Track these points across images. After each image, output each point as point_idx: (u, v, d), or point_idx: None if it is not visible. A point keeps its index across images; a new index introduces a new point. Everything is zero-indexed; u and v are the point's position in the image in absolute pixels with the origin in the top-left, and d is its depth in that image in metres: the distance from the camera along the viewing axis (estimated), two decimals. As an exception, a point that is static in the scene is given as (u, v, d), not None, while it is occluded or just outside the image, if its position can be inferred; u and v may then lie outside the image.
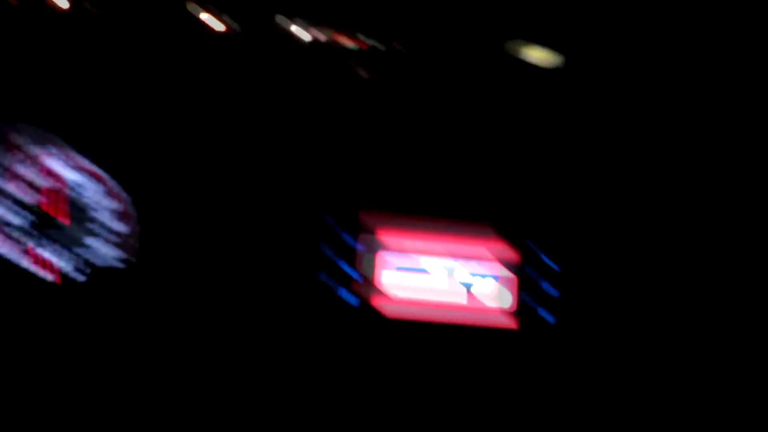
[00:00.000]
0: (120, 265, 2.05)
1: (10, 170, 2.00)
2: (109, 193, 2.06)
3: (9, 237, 2.02)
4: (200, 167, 2.10)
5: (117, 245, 2.06)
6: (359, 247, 2.05)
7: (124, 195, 2.04)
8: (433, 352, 2.12)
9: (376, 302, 2.06)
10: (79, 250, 2.05)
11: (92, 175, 2.03)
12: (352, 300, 2.04)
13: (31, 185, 1.99)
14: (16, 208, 2.02)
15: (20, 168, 1.97)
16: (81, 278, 2.06)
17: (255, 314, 1.99)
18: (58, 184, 2.02)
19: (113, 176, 2.05)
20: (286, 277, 2.02)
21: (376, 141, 2.19)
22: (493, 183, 2.30)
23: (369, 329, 2.04)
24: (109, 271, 2.07)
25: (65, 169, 2.01)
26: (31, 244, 2.04)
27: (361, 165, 2.14)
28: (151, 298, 2.02)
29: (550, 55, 3.45)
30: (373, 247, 2.09)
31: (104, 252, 2.06)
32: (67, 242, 2.06)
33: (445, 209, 2.18)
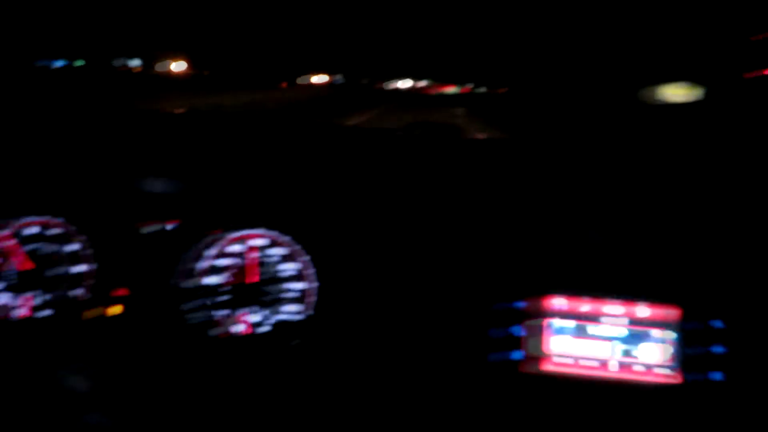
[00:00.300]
0: (300, 318, 2.23)
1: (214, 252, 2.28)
2: (291, 256, 2.26)
3: (208, 297, 2.28)
4: (373, 239, 2.22)
5: (297, 300, 2.25)
6: (526, 312, 2.13)
7: (304, 256, 2.22)
8: (599, 411, 2.18)
9: (543, 365, 2.14)
10: (267, 306, 2.27)
11: (277, 242, 2.23)
12: (520, 359, 2.12)
13: (226, 254, 2.25)
14: (214, 273, 2.28)
15: (221, 248, 2.24)
16: (267, 329, 2.28)
17: (425, 378, 2.08)
18: (250, 252, 2.26)
19: (295, 240, 2.24)
20: (457, 353, 2.11)
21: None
22: (649, 243, 2.32)
23: (536, 391, 2.12)
24: (290, 323, 2.26)
25: (256, 239, 2.24)
26: (226, 299, 2.30)
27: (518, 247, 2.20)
28: (325, 353, 2.16)
29: (688, 89, 3.37)
30: (540, 314, 2.17)
31: (287, 307, 2.26)
32: (256, 300, 2.29)
33: (606, 278, 2.23)
